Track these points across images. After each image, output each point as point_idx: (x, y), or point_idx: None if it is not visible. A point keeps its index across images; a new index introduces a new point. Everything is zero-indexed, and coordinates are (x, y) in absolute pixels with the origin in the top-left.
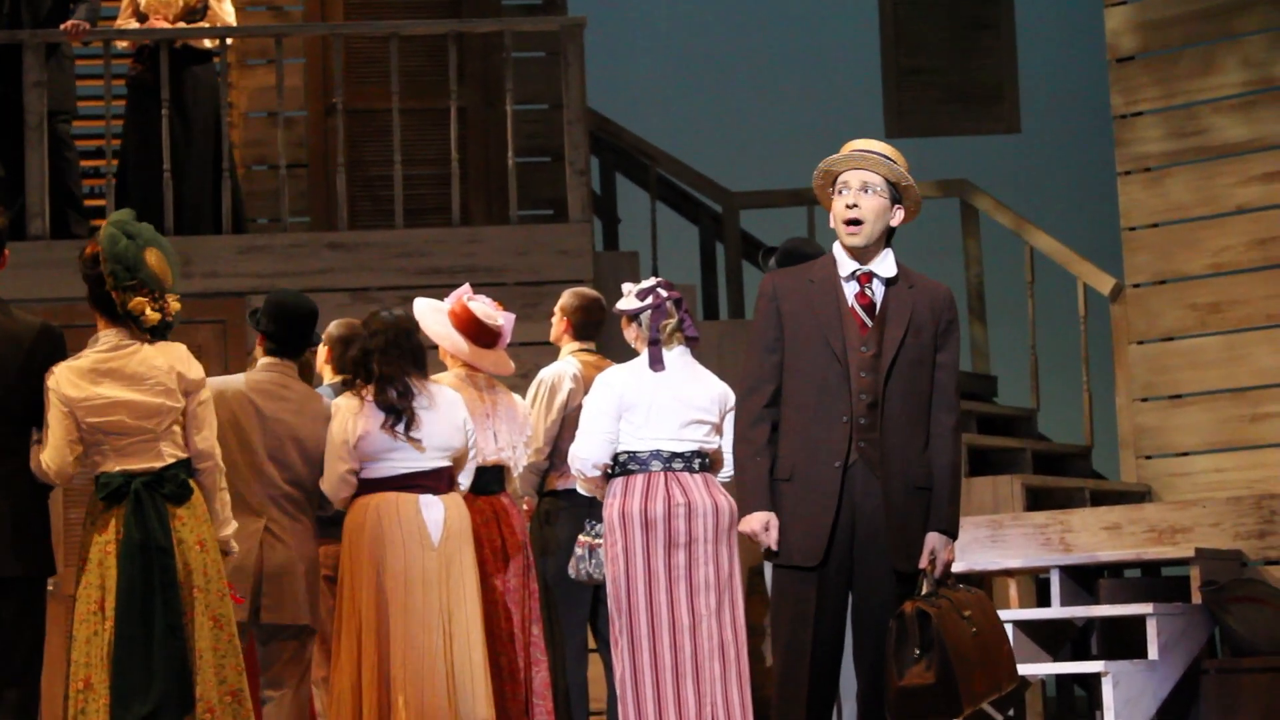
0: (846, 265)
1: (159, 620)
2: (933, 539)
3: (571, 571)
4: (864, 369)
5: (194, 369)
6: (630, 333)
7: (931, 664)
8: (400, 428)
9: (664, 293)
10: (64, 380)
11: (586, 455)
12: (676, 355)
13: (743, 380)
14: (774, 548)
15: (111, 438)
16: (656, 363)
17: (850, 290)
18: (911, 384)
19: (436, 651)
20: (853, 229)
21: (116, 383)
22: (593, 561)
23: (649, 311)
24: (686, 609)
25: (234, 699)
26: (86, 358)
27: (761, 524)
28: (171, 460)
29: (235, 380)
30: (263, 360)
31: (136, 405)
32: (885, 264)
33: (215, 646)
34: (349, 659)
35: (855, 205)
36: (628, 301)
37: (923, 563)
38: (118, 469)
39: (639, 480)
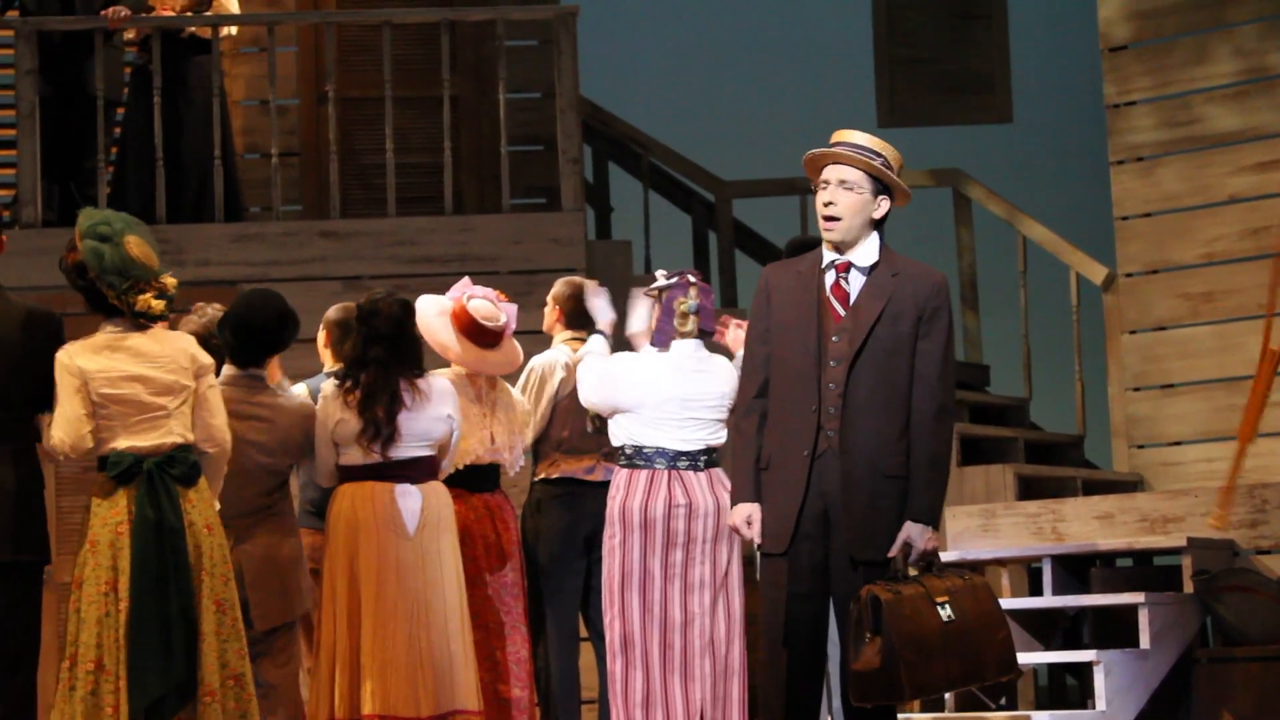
0: (827, 256)
1: (173, 601)
2: (908, 528)
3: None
4: (834, 358)
5: (203, 354)
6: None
7: (880, 649)
8: (376, 448)
9: (692, 278)
10: (78, 354)
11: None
12: (690, 348)
13: (740, 372)
14: (757, 540)
15: (124, 413)
16: (662, 336)
17: (828, 281)
18: (885, 373)
19: (411, 640)
20: (829, 225)
21: (131, 357)
22: None
23: (670, 288)
24: (679, 607)
25: (236, 683)
26: (99, 337)
27: (743, 518)
28: (180, 441)
29: None
30: (225, 373)
31: (152, 380)
32: (864, 253)
33: (218, 630)
34: (326, 646)
35: (832, 203)
36: (656, 283)
37: (892, 551)
38: (126, 446)
39: (642, 477)
